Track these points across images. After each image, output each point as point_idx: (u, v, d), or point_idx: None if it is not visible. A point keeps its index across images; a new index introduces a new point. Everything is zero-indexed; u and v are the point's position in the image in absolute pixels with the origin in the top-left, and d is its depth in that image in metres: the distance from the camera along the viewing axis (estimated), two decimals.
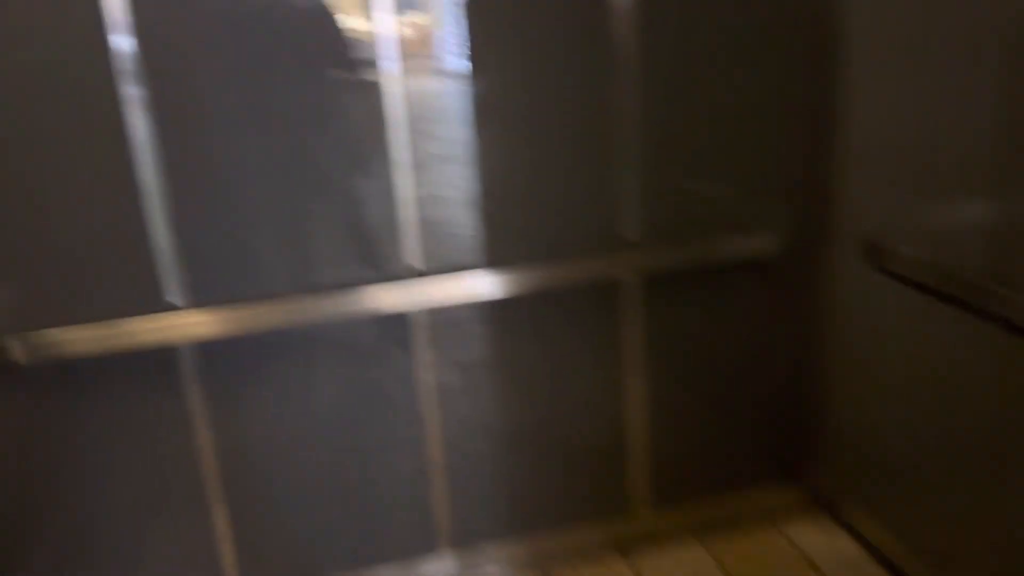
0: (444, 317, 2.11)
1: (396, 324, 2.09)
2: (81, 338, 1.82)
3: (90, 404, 1.95)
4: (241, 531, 2.13)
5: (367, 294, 1.98)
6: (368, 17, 1.86)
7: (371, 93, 1.90)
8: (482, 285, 2.04)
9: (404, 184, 1.98)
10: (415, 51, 1.93)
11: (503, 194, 2.09)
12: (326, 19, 1.89)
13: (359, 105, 1.93)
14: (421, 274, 2.03)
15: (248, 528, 2.14)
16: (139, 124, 1.78)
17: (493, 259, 2.10)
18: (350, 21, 1.89)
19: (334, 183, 2.00)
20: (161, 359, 1.94)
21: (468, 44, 1.98)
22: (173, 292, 1.90)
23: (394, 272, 2.03)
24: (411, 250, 2.03)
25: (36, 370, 1.86)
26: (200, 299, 1.90)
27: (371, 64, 1.89)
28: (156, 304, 1.89)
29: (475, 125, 2.03)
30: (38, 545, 2.01)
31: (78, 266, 1.85)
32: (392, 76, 1.90)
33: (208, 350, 1.96)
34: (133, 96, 1.77)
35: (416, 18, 1.95)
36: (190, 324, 1.89)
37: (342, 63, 1.93)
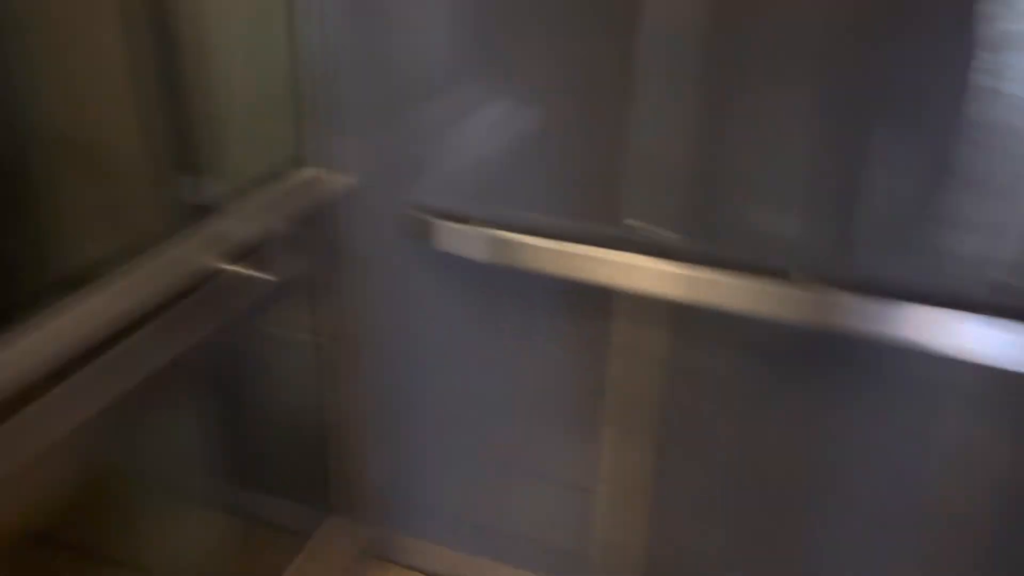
0: None
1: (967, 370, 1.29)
2: (533, 250, 1.47)
3: (505, 311, 1.64)
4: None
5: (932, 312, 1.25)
6: None
7: None
8: None
9: None
10: None
11: None
12: None
13: None
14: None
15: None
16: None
17: None
18: None
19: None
20: (591, 291, 1.49)
21: None
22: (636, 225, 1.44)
23: (978, 288, 1.26)
24: None
25: (469, 264, 1.54)
26: (684, 253, 1.39)
27: None
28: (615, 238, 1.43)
29: None
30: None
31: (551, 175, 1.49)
32: None
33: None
34: None
35: None
36: (647, 270, 1.41)
37: None
